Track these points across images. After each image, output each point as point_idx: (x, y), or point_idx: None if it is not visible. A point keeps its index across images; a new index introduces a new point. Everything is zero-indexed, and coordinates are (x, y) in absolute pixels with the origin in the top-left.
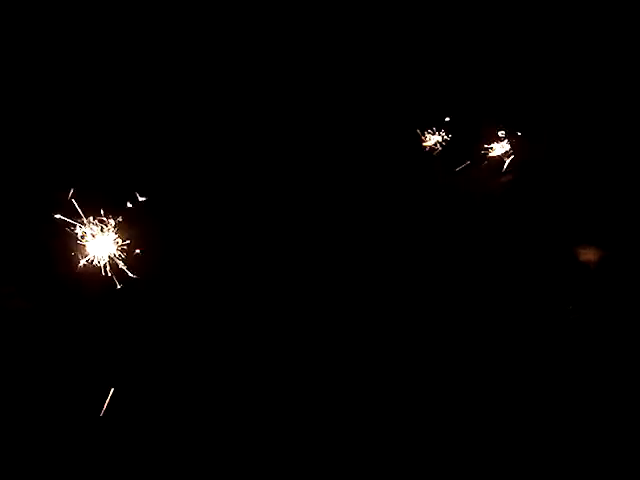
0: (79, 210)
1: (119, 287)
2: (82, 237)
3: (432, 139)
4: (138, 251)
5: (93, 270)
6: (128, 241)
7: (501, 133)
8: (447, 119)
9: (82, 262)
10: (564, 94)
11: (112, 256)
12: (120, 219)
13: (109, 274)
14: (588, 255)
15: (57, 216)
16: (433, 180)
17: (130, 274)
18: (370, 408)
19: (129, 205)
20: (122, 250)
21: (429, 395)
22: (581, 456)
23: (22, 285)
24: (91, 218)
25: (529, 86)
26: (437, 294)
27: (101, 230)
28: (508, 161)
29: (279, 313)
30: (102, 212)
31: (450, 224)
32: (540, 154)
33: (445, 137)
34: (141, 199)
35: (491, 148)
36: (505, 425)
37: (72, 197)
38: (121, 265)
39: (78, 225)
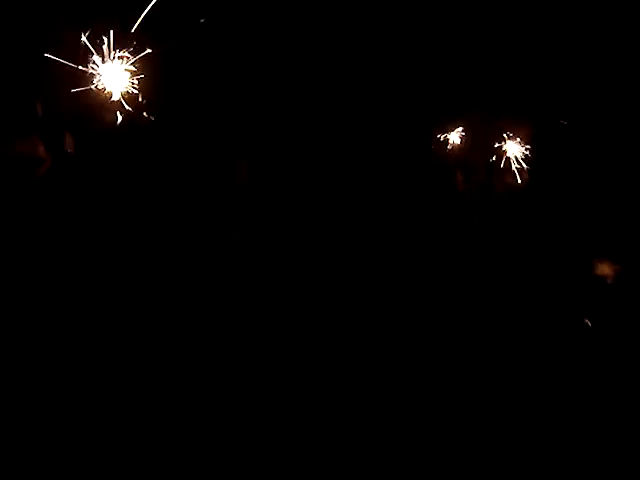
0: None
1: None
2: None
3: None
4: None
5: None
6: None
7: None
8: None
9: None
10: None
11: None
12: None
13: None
14: (604, 269)
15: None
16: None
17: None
18: (370, 407)
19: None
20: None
21: (429, 396)
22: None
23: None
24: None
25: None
26: (445, 302)
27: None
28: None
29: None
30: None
31: (460, 230)
32: (552, 163)
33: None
34: None
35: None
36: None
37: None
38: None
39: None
